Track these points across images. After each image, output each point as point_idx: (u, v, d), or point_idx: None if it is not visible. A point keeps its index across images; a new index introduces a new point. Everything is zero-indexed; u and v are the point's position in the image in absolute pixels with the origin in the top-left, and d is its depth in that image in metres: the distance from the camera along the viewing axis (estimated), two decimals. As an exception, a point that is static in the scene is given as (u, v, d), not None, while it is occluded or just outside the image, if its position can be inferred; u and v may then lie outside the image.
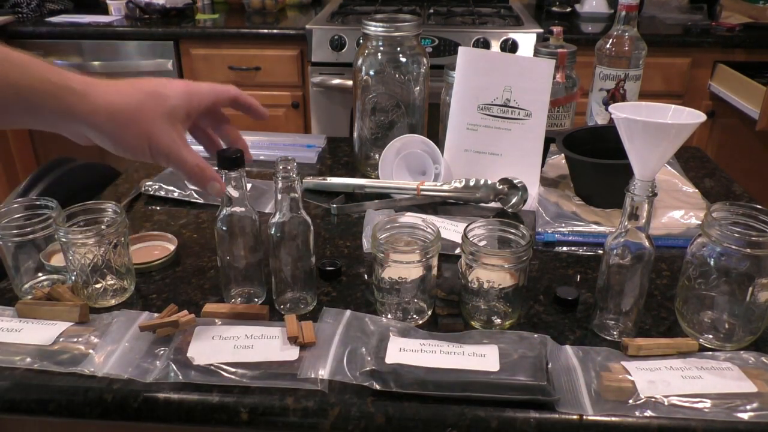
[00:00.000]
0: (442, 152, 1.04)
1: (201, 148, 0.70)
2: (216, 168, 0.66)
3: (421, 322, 0.72)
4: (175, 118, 0.61)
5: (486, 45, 2.14)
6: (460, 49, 1.04)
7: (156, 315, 0.70)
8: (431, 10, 2.49)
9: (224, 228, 0.69)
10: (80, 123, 0.58)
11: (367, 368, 0.61)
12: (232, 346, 0.65)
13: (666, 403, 0.58)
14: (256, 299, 0.75)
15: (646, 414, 0.57)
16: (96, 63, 2.34)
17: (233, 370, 0.62)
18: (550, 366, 0.63)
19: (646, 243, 0.65)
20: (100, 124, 0.58)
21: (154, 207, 1.00)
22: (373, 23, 1.03)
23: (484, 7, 2.56)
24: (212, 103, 0.65)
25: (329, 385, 0.61)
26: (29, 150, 2.46)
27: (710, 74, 2.23)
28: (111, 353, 0.65)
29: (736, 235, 0.63)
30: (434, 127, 1.15)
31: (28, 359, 0.64)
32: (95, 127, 0.58)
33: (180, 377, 0.62)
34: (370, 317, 0.70)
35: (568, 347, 0.66)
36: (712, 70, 2.22)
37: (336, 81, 2.21)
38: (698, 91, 2.25)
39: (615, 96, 1.24)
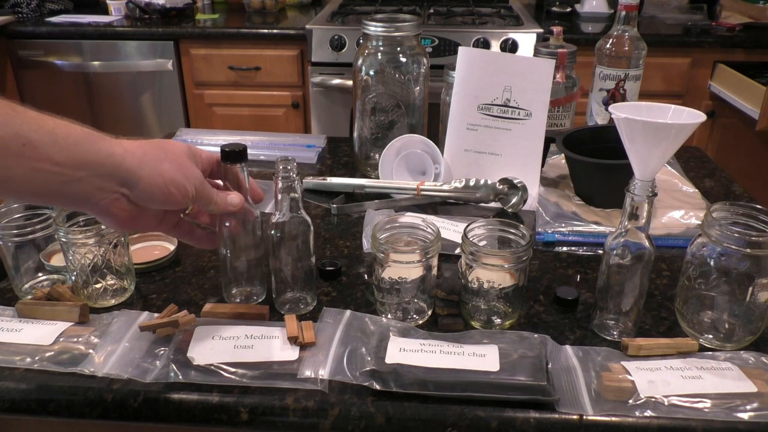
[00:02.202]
0: (442, 152, 1.04)
1: None
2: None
3: (421, 322, 0.72)
4: (190, 158, 0.63)
5: (486, 45, 2.14)
6: (460, 49, 1.04)
7: (156, 315, 0.70)
8: (431, 10, 2.49)
9: (226, 224, 0.69)
10: (117, 167, 0.55)
11: (367, 368, 0.61)
12: (232, 346, 0.65)
13: (666, 403, 0.58)
14: (255, 298, 0.75)
15: (646, 414, 0.57)
16: (96, 63, 2.34)
17: (233, 370, 0.62)
18: (550, 366, 0.63)
19: (646, 243, 0.65)
20: (137, 164, 0.57)
21: (154, 207, 1.00)
22: (373, 23, 1.03)
23: (484, 7, 2.56)
24: (209, 162, 0.67)
25: (329, 385, 0.61)
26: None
27: (710, 74, 2.23)
28: (111, 353, 0.65)
29: (736, 235, 0.63)
30: (434, 127, 1.15)
31: (28, 359, 0.64)
32: (134, 167, 0.56)
33: (180, 377, 0.62)
34: (370, 317, 0.70)
35: (568, 347, 0.66)
36: (712, 70, 2.22)
37: (336, 81, 2.21)
38: (698, 91, 2.25)
39: (615, 96, 1.24)
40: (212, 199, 0.64)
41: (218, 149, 0.66)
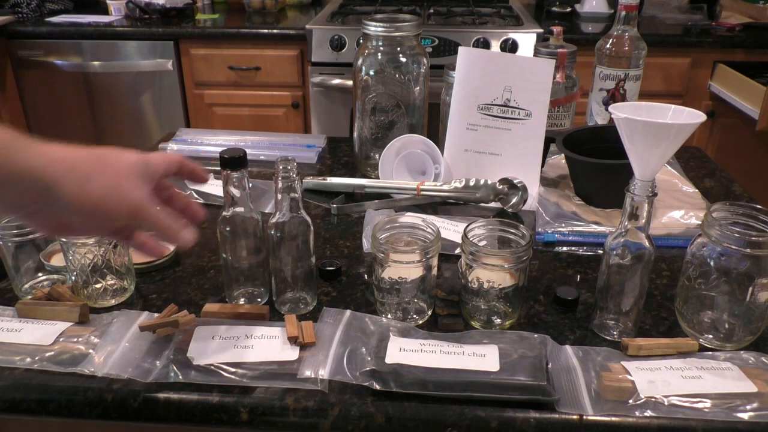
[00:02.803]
0: (442, 152, 1.04)
1: None
2: (219, 168, 0.66)
3: (421, 322, 0.72)
4: (137, 175, 0.56)
5: (486, 45, 2.14)
6: (460, 49, 1.04)
7: (156, 315, 0.70)
8: (431, 10, 2.49)
9: (227, 228, 0.69)
10: (34, 181, 0.50)
11: (367, 368, 0.61)
12: (232, 346, 0.65)
13: (666, 403, 0.58)
14: (258, 299, 0.75)
15: (646, 414, 0.57)
16: (96, 63, 2.34)
17: (233, 370, 0.62)
18: (550, 366, 0.63)
19: (646, 243, 0.65)
20: (58, 177, 0.50)
21: (154, 207, 1.00)
22: (373, 23, 1.03)
23: (484, 7, 2.56)
24: (164, 170, 0.60)
25: (329, 385, 0.61)
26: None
27: (710, 74, 2.23)
28: (111, 353, 0.65)
29: (736, 235, 0.63)
30: (434, 127, 1.15)
31: (28, 359, 0.64)
32: (54, 181, 0.50)
33: (180, 377, 0.62)
34: (370, 317, 0.70)
35: (568, 347, 0.66)
36: (712, 70, 2.22)
37: (336, 81, 2.21)
38: (698, 91, 2.25)
39: (615, 96, 1.24)
40: (158, 224, 0.57)
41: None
